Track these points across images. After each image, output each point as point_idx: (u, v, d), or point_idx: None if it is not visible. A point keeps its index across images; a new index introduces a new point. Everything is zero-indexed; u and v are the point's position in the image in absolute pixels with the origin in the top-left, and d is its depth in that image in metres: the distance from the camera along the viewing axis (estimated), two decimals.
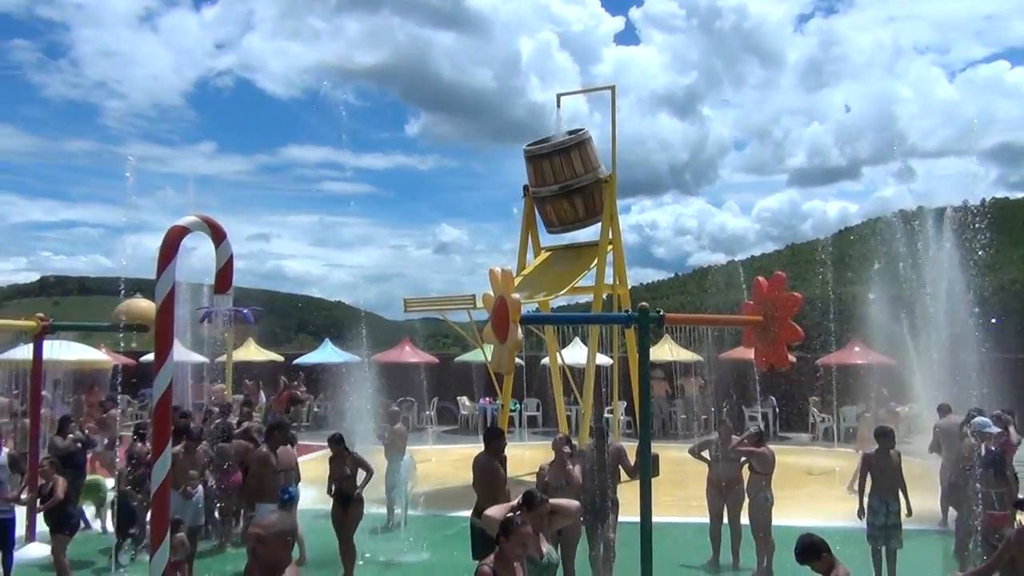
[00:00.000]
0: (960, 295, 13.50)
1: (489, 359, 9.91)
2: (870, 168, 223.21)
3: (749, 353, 9.55)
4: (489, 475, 7.94)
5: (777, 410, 23.00)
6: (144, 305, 17.00)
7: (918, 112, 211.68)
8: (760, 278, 8.61)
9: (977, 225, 13.82)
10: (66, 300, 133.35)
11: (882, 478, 8.80)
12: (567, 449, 8.08)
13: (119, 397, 22.46)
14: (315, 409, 24.73)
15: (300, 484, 9.90)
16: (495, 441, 8.23)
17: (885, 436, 8.98)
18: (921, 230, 14.96)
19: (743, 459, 9.66)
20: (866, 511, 8.85)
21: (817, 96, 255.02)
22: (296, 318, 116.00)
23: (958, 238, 14.01)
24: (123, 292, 16.46)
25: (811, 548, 5.12)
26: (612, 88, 17.04)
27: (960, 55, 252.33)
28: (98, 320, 18.31)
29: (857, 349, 21.10)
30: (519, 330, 7.42)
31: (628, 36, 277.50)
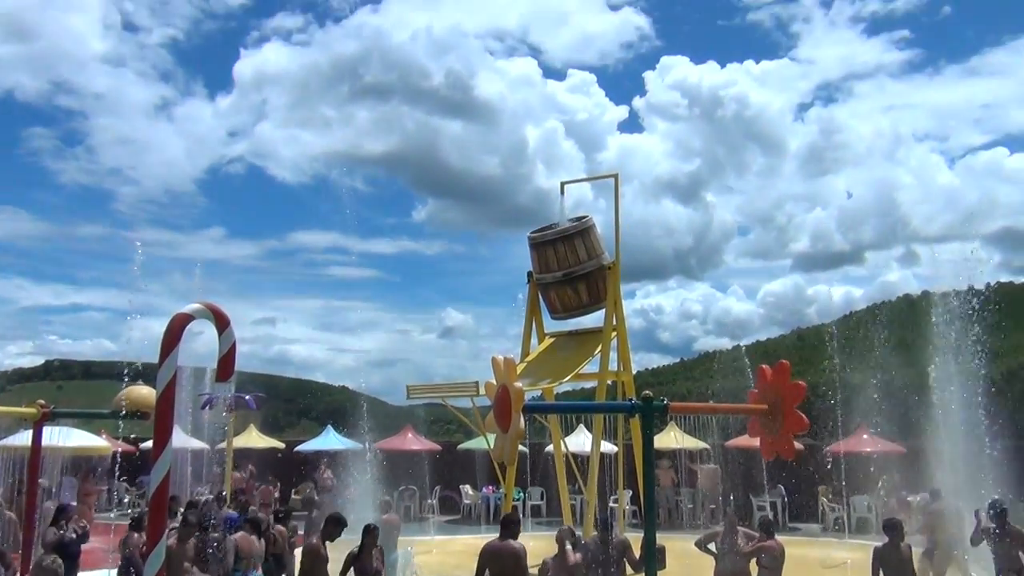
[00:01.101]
0: (969, 381, 13.37)
1: (492, 447, 9.79)
2: (873, 253, 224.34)
3: (756, 441, 9.41)
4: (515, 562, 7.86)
5: (786, 499, 22.57)
6: (145, 392, 16.82)
7: (919, 197, 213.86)
8: (764, 366, 8.56)
9: (984, 310, 13.79)
10: (70, 384, 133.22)
11: (893, 572, 8.58)
12: (570, 542, 7.95)
13: (116, 484, 22.26)
14: (315, 497, 24.30)
15: None
16: (512, 527, 8.20)
17: (894, 528, 8.80)
18: (927, 314, 14.92)
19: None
20: None
21: (819, 182, 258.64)
22: (299, 403, 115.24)
23: (965, 323, 13.96)
24: (126, 377, 16.38)
25: None
26: (615, 176, 17.29)
27: (959, 142, 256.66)
28: (101, 404, 18.21)
29: (865, 436, 20.81)
30: (522, 419, 7.35)
31: (632, 124, 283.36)
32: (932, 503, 11.99)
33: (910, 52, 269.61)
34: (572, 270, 15.90)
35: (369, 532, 9.02)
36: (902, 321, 15.18)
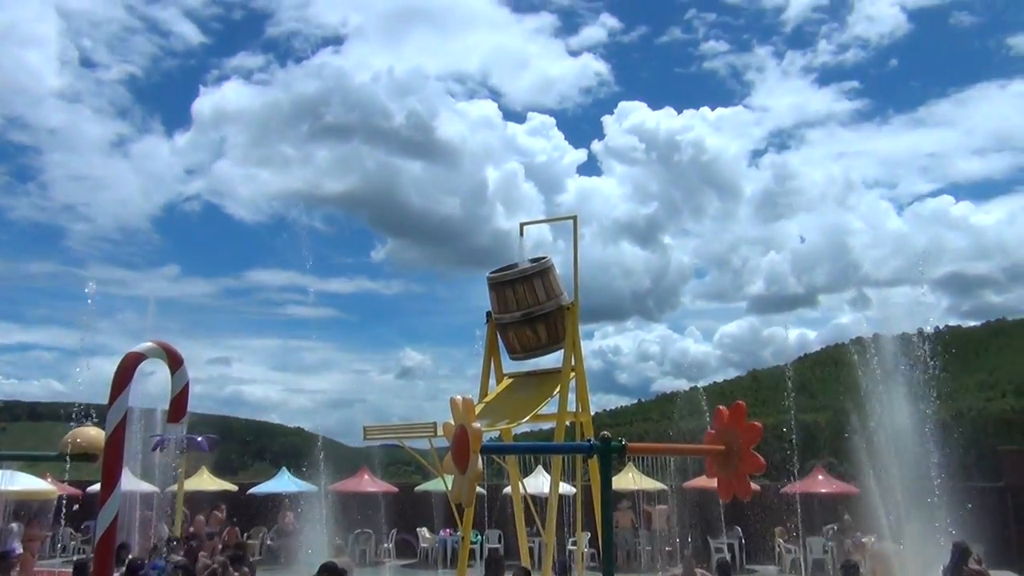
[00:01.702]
0: (919, 422, 13.60)
1: (449, 488, 9.70)
2: (826, 296, 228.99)
3: (713, 482, 9.43)
4: None
5: (743, 541, 22.60)
6: (93, 433, 16.41)
7: (870, 243, 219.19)
8: (721, 407, 8.62)
9: (933, 353, 14.07)
10: (15, 426, 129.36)
11: None
12: None
13: (62, 530, 21.58)
14: (268, 542, 23.82)
15: None
16: (496, 566, 8.27)
17: (849, 570, 8.87)
18: (879, 357, 15.18)
19: None
20: None
21: (773, 227, 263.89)
22: (253, 445, 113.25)
23: (915, 365, 14.22)
24: (74, 418, 15.96)
25: None
26: (574, 218, 17.43)
27: (907, 189, 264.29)
28: (47, 447, 17.65)
29: (820, 477, 21.01)
30: (480, 460, 7.30)
31: (590, 167, 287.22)
32: (875, 543, 12.24)
33: (859, 102, 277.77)
34: (531, 310, 15.93)
35: (340, 575, 8.91)
36: (855, 363, 15.39)
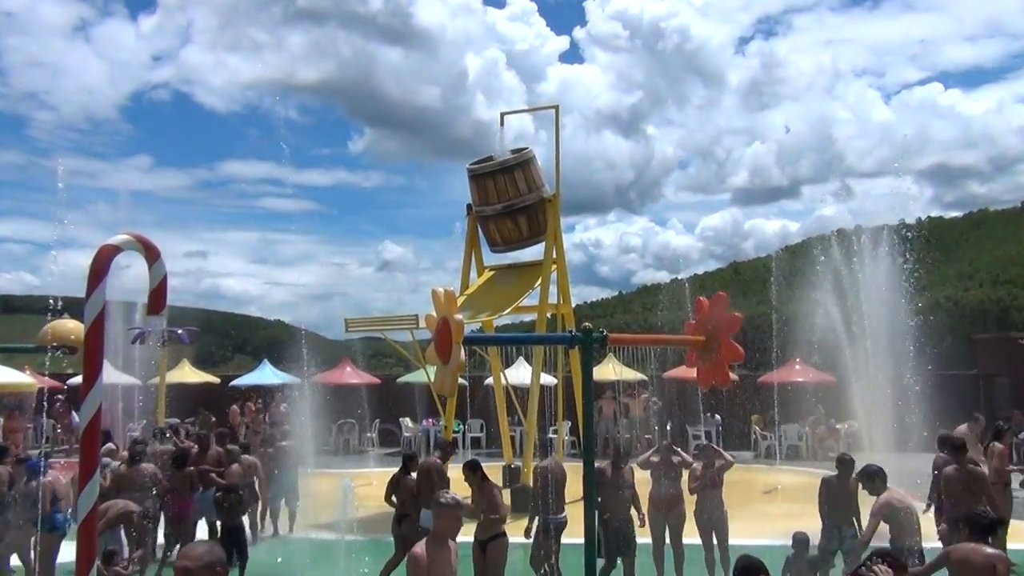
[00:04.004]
0: (897, 312, 13.73)
1: (432, 379, 9.76)
2: (809, 187, 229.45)
3: (692, 372, 9.51)
4: None
5: (720, 428, 23.17)
6: (72, 326, 16.32)
7: (855, 133, 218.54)
8: (701, 298, 8.60)
9: (913, 244, 14.10)
10: None
11: (835, 503, 8.78)
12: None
13: (44, 421, 21.74)
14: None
15: None
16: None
17: (845, 463, 8.95)
18: (859, 248, 15.20)
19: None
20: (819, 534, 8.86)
21: (758, 116, 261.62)
22: (234, 338, 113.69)
23: (895, 256, 14.27)
24: (51, 311, 15.83)
25: (750, 569, 5.07)
26: (556, 108, 17.09)
27: (895, 78, 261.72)
28: (22, 340, 17.57)
29: (798, 367, 21.38)
30: (462, 351, 7.27)
31: (572, 55, 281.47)
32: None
33: None
34: (512, 202, 15.77)
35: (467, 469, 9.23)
36: (835, 255, 15.43)
